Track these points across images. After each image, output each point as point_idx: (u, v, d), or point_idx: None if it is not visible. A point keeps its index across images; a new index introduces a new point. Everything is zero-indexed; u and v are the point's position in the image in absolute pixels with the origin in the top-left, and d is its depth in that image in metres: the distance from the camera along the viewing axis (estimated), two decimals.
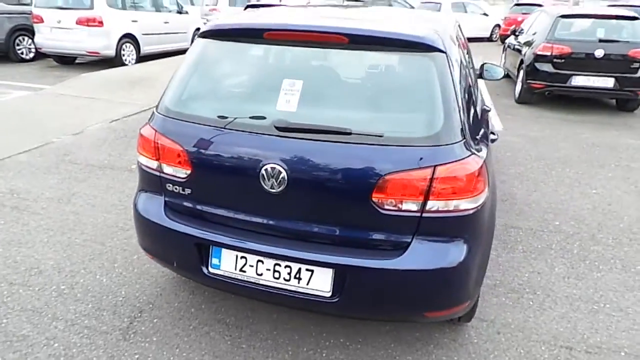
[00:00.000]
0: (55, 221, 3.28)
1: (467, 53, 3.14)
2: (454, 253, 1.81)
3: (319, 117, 1.80)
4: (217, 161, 1.88)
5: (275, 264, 1.87)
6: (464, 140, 1.78)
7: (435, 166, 1.70)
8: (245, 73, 2.10)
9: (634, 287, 2.78)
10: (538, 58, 7.06)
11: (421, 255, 1.78)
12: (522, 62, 7.56)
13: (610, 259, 3.08)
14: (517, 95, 7.72)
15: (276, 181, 1.77)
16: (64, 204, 3.55)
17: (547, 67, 7.00)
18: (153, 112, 2.10)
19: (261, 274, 1.89)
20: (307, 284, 1.84)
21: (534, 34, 7.65)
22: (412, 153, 1.72)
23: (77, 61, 10.15)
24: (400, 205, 1.73)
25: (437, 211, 1.75)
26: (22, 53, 9.79)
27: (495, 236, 3.27)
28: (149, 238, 2.15)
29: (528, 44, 7.55)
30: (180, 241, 1.99)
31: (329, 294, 1.83)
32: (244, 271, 1.91)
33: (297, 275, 1.85)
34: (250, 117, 1.87)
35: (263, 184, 1.79)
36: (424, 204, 1.73)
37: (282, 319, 2.39)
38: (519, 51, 7.92)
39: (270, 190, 1.79)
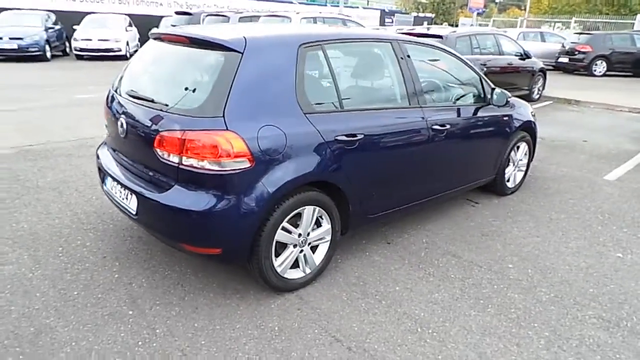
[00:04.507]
0: None
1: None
2: (200, 201, 2.33)
3: (148, 90, 2.60)
4: (111, 115, 2.88)
5: (120, 188, 2.74)
6: (222, 117, 2.29)
7: (185, 130, 2.29)
8: (147, 60, 3.01)
9: (496, 334, 2.47)
10: None
11: (175, 196, 2.37)
12: None
13: (513, 308, 2.70)
14: None
15: (122, 128, 2.66)
16: None
17: None
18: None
19: (116, 193, 2.80)
20: (129, 204, 2.65)
21: None
22: (177, 119, 2.35)
23: None
24: (168, 157, 2.38)
25: (190, 166, 2.31)
26: None
27: (420, 257, 3.27)
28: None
29: None
30: (98, 167, 3.09)
31: (135, 212, 2.60)
32: (112, 190, 2.86)
33: (127, 197, 2.68)
34: (124, 87, 2.81)
35: (119, 130, 2.70)
36: (181, 158, 2.33)
37: (184, 258, 3.07)
38: None
39: (121, 135, 2.69)
